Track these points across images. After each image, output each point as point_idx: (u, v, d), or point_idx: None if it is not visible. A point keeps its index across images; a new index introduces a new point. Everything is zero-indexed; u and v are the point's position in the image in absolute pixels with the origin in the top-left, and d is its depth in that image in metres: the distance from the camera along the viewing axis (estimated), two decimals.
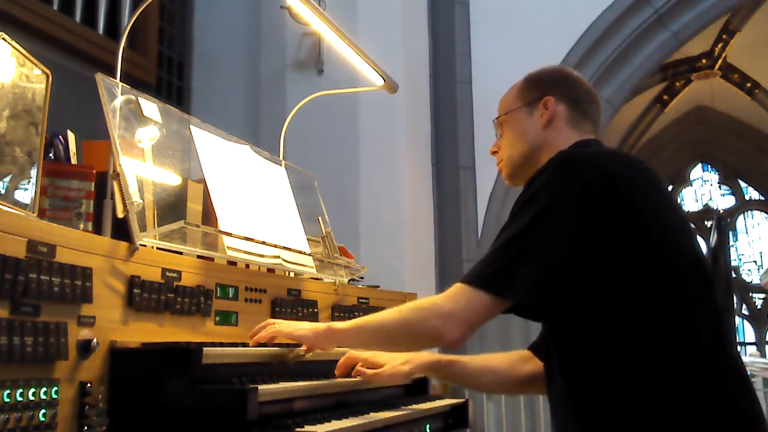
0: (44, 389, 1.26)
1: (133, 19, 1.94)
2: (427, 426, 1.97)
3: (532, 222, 1.46)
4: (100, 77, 1.68)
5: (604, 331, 1.44)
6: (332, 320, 2.24)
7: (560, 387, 1.52)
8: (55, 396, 1.28)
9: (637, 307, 1.42)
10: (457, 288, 1.52)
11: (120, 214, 1.60)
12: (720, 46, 8.67)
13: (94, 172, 1.68)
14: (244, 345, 1.71)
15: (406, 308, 1.62)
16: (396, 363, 1.83)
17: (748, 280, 13.08)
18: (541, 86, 1.76)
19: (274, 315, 1.96)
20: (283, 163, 2.38)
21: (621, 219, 1.44)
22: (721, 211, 12.65)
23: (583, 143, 1.69)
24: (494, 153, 1.83)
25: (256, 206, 2.04)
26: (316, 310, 2.15)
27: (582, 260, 1.43)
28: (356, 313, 2.34)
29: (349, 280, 2.48)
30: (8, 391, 1.19)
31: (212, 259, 1.85)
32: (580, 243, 1.43)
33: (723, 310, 1.52)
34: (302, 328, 1.74)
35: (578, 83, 1.78)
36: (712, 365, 1.41)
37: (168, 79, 5.03)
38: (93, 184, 1.67)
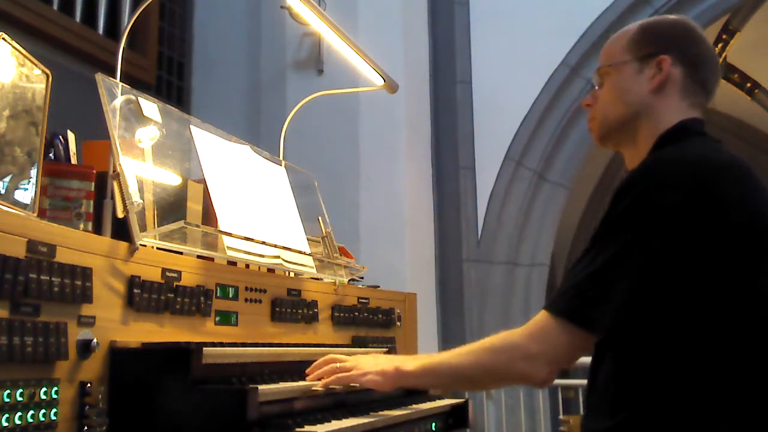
0: (44, 389, 1.26)
1: (133, 19, 1.94)
2: (433, 424, 1.97)
3: (623, 249, 1.33)
4: (100, 77, 1.68)
5: (672, 352, 1.34)
6: (332, 320, 2.24)
7: (608, 389, 1.43)
8: (55, 396, 1.28)
9: (715, 333, 1.32)
10: (540, 320, 1.41)
11: (120, 214, 1.60)
12: (720, 46, 8.65)
13: (94, 172, 1.68)
14: (244, 345, 1.71)
15: (484, 349, 1.49)
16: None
17: None
18: (658, 40, 1.53)
19: (274, 315, 1.96)
20: (283, 163, 2.38)
21: (716, 242, 1.31)
22: None
23: (684, 128, 1.49)
24: (588, 106, 1.62)
25: (256, 206, 2.04)
26: (316, 310, 2.15)
27: (669, 283, 1.32)
28: (356, 314, 2.34)
29: (349, 280, 2.48)
30: (8, 391, 1.19)
31: (212, 259, 1.85)
32: (671, 266, 1.31)
33: None
34: (368, 371, 1.64)
35: (702, 44, 1.54)
36: None
37: (168, 79, 5.03)
38: (93, 184, 1.67)
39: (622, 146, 1.60)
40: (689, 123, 1.51)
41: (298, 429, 1.45)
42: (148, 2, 2.05)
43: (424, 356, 1.66)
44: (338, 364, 1.67)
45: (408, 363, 1.62)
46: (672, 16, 1.63)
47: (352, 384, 1.67)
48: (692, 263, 1.32)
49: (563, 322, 1.38)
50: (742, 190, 1.37)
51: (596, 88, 1.62)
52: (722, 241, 1.32)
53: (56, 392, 1.28)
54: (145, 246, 1.58)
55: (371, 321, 2.43)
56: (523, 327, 1.44)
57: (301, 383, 1.64)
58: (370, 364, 1.67)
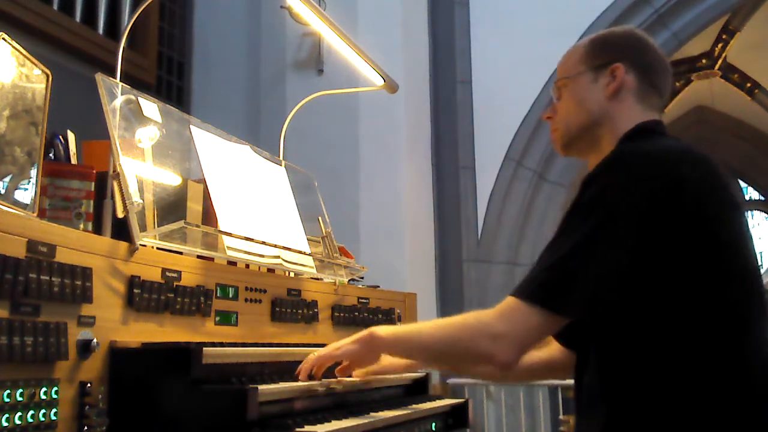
0: (44, 389, 1.26)
1: (133, 19, 1.94)
2: (433, 424, 1.97)
3: (591, 234, 1.36)
4: (100, 77, 1.68)
5: (652, 344, 1.36)
6: (332, 320, 2.24)
7: (594, 388, 1.45)
8: (55, 396, 1.28)
9: (693, 324, 1.34)
10: (509, 303, 1.41)
11: (120, 214, 1.60)
12: (720, 46, 8.66)
13: (94, 172, 1.68)
14: (244, 345, 1.71)
15: (454, 324, 1.51)
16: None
17: None
18: (610, 50, 1.60)
19: (274, 315, 1.96)
20: (283, 163, 2.38)
21: (687, 232, 1.33)
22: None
23: (645, 129, 1.54)
24: (548, 119, 1.69)
25: (256, 206, 2.04)
26: (316, 310, 2.15)
27: (640, 271, 1.34)
28: (356, 314, 2.34)
29: (349, 280, 2.48)
30: (8, 391, 1.19)
31: (212, 259, 1.85)
32: (640, 253, 1.34)
33: None
34: (342, 344, 1.65)
35: (651, 50, 1.61)
36: (757, 398, 1.33)
37: (168, 79, 5.03)
38: (93, 184, 1.67)
39: (585, 153, 1.65)
40: (649, 124, 1.56)
41: (298, 429, 1.45)
42: (148, 2, 2.05)
43: (403, 326, 1.67)
44: (315, 353, 1.68)
45: (383, 330, 1.63)
46: (621, 27, 1.71)
47: (331, 358, 1.66)
48: (658, 249, 1.34)
49: (530, 305, 1.38)
50: (705, 176, 1.41)
51: (555, 101, 1.67)
52: (688, 227, 1.34)
53: (56, 392, 1.28)
54: (145, 246, 1.58)
55: (371, 321, 2.43)
56: (493, 308, 1.45)
57: (301, 383, 1.64)
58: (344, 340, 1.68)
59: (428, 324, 1.58)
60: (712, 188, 1.40)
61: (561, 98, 1.65)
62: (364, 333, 1.64)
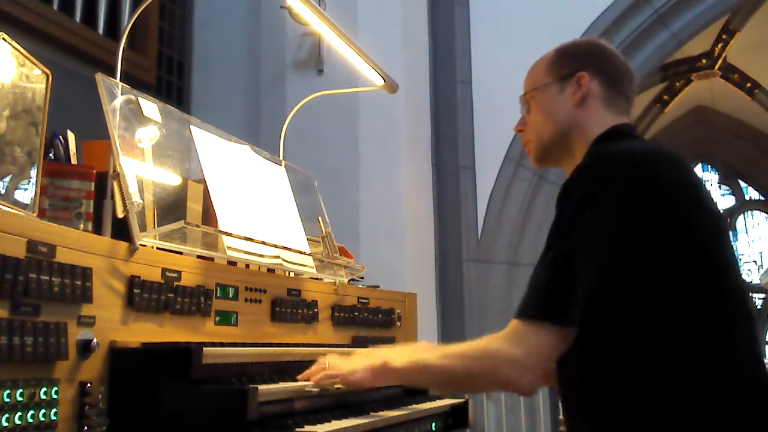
0: (44, 389, 1.26)
1: (133, 19, 1.94)
2: (433, 424, 1.97)
3: (580, 242, 1.38)
4: (100, 77, 1.68)
5: (636, 344, 1.35)
6: (332, 320, 2.24)
7: (578, 396, 1.45)
8: (55, 396, 1.28)
9: (677, 326, 1.34)
10: (516, 327, 1.42)
11: (120, 214, 1.60)
12: (720, 46, 8.66)
13: (94, 172, 1.68)
14: (244, 345, 1.71)
15: (468, 354, 1.50)
16: None
17: (747, 280, 13.06)
18: (574, 60, 1.63)
19: (274, 315, 1.96)
20: (283, 163, 2.38)
21: (665, 232, 1.35)
22: (721, 211, 12.63)
23: (617, 132, 1.57)
24: (519, 131, 1.71)
25: (256, 206, 2.04)
26: (316, 310, 2.15)
27: (624, 270, 1.35)
28: (356, 314, 2.35)
29: (349, 280, 2.48)
30: (8, 391, 1.19)
31: (212, 259, 1.85)
32: (624, 253, 1.35)
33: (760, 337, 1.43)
34: (356, 369, 1.64)
35: (615, 58, 1.65)
36: (748, 394, 1.34)
37: (168, 79, 5.02)
38: (93, 184, 1.67)
39: (561, 161, 1.67)
40: (620, 127, 1.59)
41: (298, 429, 1.45)
42: (148, 2, 2.05)
43: (412, 350, 1.65)
44: (327, 364, 1.67)
45: (396, 359, 1.61)
46: (584, 38, 1.76)
47: (342, 380, 1.65)
48: (639, 248, 1.35)
49: (536, 324, 1.40)
50: (678, 176, 1.44)
51: (524, 113, 1.70)
52: (665, 225, 1.36)
53: (56, 392, 1.28)
54: (145, 246, 1.58)
55: (371, 321, 2.43)
56: (502, 334, 1.45)
57: (301, 383, 1.64)
58: (357, 361, 1.66)
59: (441, 353, 1.56)
60: (684, 187, 1.43)
61: (530, 110, 1.68)
62: (377, 363, 1.63)
